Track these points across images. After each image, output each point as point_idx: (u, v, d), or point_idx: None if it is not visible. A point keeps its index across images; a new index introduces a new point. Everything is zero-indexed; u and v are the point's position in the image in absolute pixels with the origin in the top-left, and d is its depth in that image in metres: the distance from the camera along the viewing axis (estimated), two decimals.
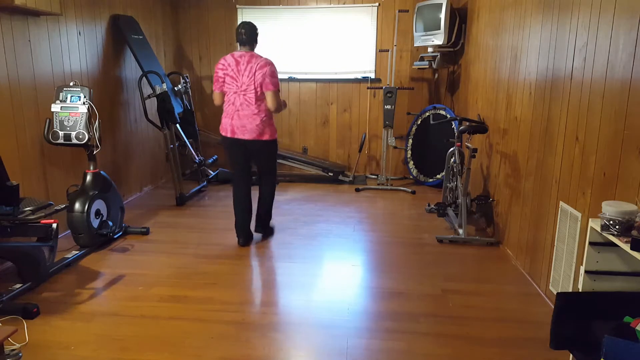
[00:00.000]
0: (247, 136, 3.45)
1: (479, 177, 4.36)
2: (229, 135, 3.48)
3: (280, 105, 3.47)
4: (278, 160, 5.73)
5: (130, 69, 4.86)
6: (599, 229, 1.78)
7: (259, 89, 3.39)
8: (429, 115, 5.50)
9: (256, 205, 3.79)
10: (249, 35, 3.44)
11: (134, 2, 4.91)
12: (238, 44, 3.49)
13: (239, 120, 3.43)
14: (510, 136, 3.52)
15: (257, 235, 3.85)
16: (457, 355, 2.25)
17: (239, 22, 5.85)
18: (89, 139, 3.33)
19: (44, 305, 2.68)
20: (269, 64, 3.40)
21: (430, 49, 5.24)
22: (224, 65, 3.45)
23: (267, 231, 3.86)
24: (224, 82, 3.46)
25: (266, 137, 3.49)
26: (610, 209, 1.72)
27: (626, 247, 1.62)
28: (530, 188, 3.11)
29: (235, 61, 3.42)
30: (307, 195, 5.15)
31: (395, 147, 5.66)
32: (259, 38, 3.57)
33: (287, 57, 5.88)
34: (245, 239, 3.66)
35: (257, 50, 5.90)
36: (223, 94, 3.53)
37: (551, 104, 2.82)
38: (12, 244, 2.77)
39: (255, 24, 3.51)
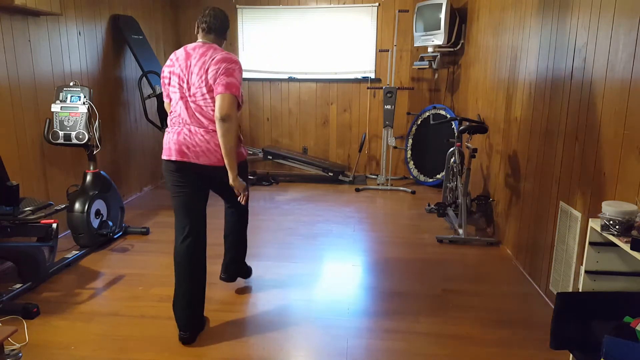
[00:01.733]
0: (194, 159, 2.31)
1: (479, 177, 4.36)
2: (169, 157, 2.33)
3: (232, 118, 2.22)
4: (278, 161, 5.75)
5: (130, 69, 4.86)
6: (599, 229, 1.78)
7: (211, 92, 2.28)
8: (429, 115, 5.50)
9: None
10: (215, 23, 2.39)
11: (134, 2, 4.91)
12: (198, 34, 2.43)
13: (188, 135, 2.30)
14: (510, 136, 3.52)
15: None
16: (457, 355, 2.25)
17: (239, 22, 5.86)
18: (89, 139, 3.33)
19: (44, 305, 2.68)
20: (230, 60, 2.28)
21: (430, 49, 5.24)
22: (171, 60, 2.38)
23: (246, 272, 2.99)
24: (169, 84, 2.38)
25: (223, 161, 2.33)
26: (610, 209, 1.72)
27: (626, 247, 1.62)
28: (530, 188, 3.11)
29: (185, 54, 2.34)
30: (307, 195, 5.15)
31: (395, 147, 5.66)
32: (228, 33, 2.59)
33: (287, 57, 5.88)
34: (193, 329, 2.38)
35: (255, 50, 5.96)
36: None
37: (551, 104, 2.82)
38: (12, 244, 2.77)
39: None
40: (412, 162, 5.67)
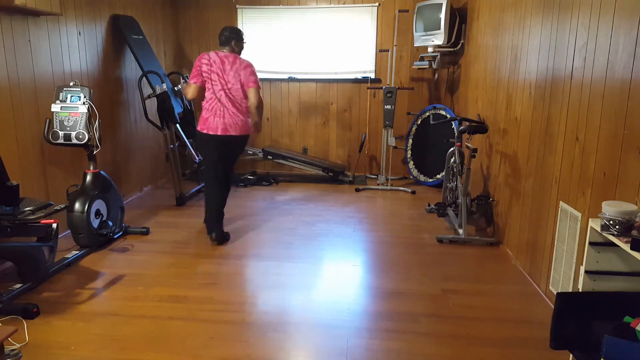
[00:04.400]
0: (232, 132, 3.50)
1: (479, 177, 4.36)
2: (215, 132, 3.49)
3: (262, 103, 3.59)
4: (278, 161, 5.76)
5: (130, 69, 4.86)
6: (599, 229, 1.78)
7: (244, 87, 3.50)
8: (429, 115, 5.50)
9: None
10: (221, 38, 3.56)
11: (134, 2, 4.91)
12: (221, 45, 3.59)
13: (230, 117, 3.49)
14: (510, 136, 3.52)
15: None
16: (457, 355, 2.25)
17: (239, 22, 5.86)
18: (89, 139, 3.33)
19: (44, 305, 2.68)
20: (248, 64, 3.54)
21: (430, 49, 5.24)
22: (208, 60, 3.48)
23: (223, 235, 3.73)
24: (209, 77, 3.49)
25: (247, 131, 3.60)
26: (610, 209, 1.72)
27: (626, 247, 1.62)
28: (530, 188, 3.11)
29: (220, 60, 3.49)
30: (307, 195, 5.15)
31: (395, 147, 5.66)
32: (237, 42, 3.61)
33: (287, 57, 5.88)
34: (218, 233, 3.65)
35: (255, 50, 5.97)
36: (200, 88, 3.53)
37: (551, 104, 2.82)
38: (12, 244, 2.77)
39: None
40: (412, 162, 5.67)
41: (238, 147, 3.64)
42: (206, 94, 3.55)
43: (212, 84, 3.49)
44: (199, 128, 3.56)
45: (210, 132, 3.50)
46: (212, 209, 3.67)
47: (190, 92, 3.53)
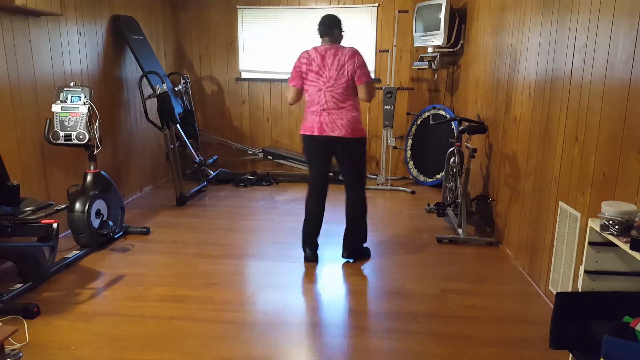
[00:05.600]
0: (336, 133, 3.13)
1: (478, 177, 4.37)
2: (315, 133, 3.17)
3: (372, 96, 3.17)
4: (278, 161, 5.75)
5: (131, 69, 4.87)
6: (598, 229, 1.78)
7: (350, 82, 3.08)
8: (428, 116, 5.50)
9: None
10: (321, 28, 3.16)
11: (134, 2, 4.91)
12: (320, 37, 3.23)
13: (328, 116, 3.14)
14: (509, 136, 3.52)
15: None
16: (457, 355, 2.25)
17: (239, 22, 5.86)
18: (89, 139, 3.34)
19: (44, 305, 2.68)
20: (354, 52, 3.08)
21: (430, 49, 5.24)
22: (307, 59, 3.17)
23: (360, 254, 3.43)
24: (306, 78, 3.19)
25: (358, 134, 3.17)
26: (610, 209, 1.72)
27: (626, 247, 1.62)
28: (530, 188, 3.12)
29: (320, 55, 3.13)
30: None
31: (395, 147, 5.67)
32: (342, 29, 3.21)
33: (287, 57, 5.88)
34: (312, 251, 3.34)
35: (255, 50, 5.97)
36: (300, 90, 3.27)
37: (551, 104, 2.82)
38: (12, 244, 2.77)
39: (316, 20, 3.22)
40: (411, 162, 5.68)
41: (350, 153, 3.25)
42: (307, 95, 3.27)
43: (310, 85, 3.18)
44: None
45: (310, 133, 3.22)
46: (309, 219, 3.33)
47: (292, 96, 3.32)
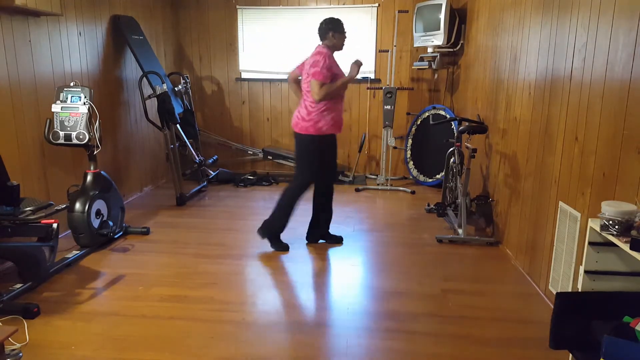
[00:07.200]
0: (294, 129, 3.44)
1: (478, 177, 4.37)
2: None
3: (322, 97, 3.24)
4: (278, 161, 5.76)
5: (131, 69, 4.87)
6: (598, 229, 1.78)
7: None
8: (428, 116, 5.50)
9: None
10: (322, 30, 3.34)
11: (134, 2, 4.91)
12: None
13: (296, 113, 3.43)
14: (509, 136, 3.52)
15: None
16: (457, 355, 2.26)
17: (239, 22, 5.86)
18: (89, 139, 3.34)
19: (44, 305, 2.68)
20: (317, 53, 3.27)
21: (430, 50, 5.24)
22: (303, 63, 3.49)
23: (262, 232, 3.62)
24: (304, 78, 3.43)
25: (304, 131, 3.35)
26: (610, 209, 1.73)
27: (625, 247, 1.62)
28: (530, 188, 3.12)
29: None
30: (307, 195, 5.14)
31: (395, 147, 5.67)
32: (328, 32, 3.31)
33: (286, 58, 5.88)
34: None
35: (255, 50, 5.97)
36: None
37: (551, 104, 2.82)
38: (12, 244, 2.77)
39: (322, 20, 3.36)
40: (411, 162, 5.68)
41: (298, 146, 3.43)
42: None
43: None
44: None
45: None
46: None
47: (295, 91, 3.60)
